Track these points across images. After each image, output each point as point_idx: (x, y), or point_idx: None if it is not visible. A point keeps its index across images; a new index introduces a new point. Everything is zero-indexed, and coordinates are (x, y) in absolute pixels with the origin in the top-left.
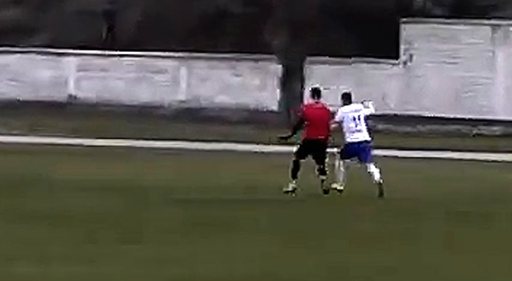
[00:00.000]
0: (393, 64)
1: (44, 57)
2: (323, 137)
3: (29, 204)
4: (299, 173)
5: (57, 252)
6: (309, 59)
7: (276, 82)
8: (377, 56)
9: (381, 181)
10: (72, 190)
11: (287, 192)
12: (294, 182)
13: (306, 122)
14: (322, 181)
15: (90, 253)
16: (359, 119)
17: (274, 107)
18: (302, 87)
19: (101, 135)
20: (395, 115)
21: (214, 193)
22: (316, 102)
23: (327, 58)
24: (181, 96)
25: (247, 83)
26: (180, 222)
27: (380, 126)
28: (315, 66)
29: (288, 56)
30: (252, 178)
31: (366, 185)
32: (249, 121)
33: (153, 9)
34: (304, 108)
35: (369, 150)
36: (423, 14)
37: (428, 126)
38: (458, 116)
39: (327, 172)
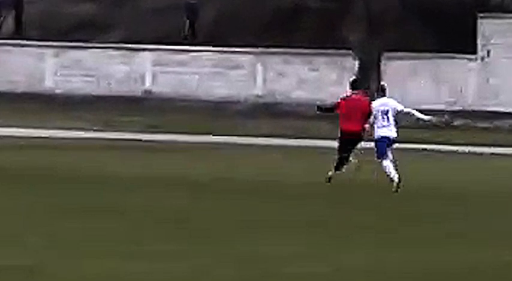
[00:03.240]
0: (470, 59)
1: (120, 52)
2: (355, 129)
3: (104, 200)
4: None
5: (127, 248)
6: (386, 54)
7: (352, 77)
8: (454, 52)
9: (397, 182)
10: (148, 186)
11: (329, 180)
12: (332, 172)
13: (339, 112)
14: (336, 169)
15: (160, 250)
16: (387, 113)
17: None
18: (379, 82)
19: (177, 130)
20: (472, 111)
21: (296, 189)
22: (354, 94)
23: (403, 53)
24: (258, 91)
25: (324, 78)
26: (260, 219)
27: (457, 122)
28: (391, 62)
29: (364, 51)
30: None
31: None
32: (325, 116)
33: (229, 4)
34: (341, 98)
35: (392, 143)
36: (501, 9)
37: (506, 122)
38: None
39: (345, 167)
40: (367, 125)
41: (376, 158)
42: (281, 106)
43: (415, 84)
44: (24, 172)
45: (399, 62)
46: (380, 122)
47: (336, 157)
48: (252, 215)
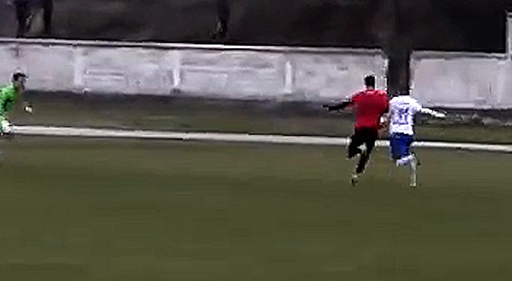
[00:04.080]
0: (500, 58)
1: (149, 51)
2: (371, 124)
3: (141, 197)
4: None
5: (166, 246)
6: (415, 52)
7: (382, 76)
8: (483, 50)
9: (415, 185)
10: (186, 184)
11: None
12: (355, 174)
13: (354, 108)
14: (358, 171)
15: (199, 248)
16: (406, 112)
17: None
18: (408, 81)
19: (208, 129)
20: (501, 110)
21: (330, 187)
22: (369, 90)
23: (432, 52)
24: (287, 90)
25: (353, 77)
26: (298, 218)
27: (486, 121)
28: (420, 60)
29: (394, 50)
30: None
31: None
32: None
33: (258, 3)
34: (354, 94)
35: (405, 143)
36: None
37: None
38: None
39: (365, 165)
40: (382, 120)
41: (391, 158)
42: (310, 105)
43: (444, 83)
44: (57, 171)
45: (428, 60)
46: (396, 119)
47: (347, 153)
48: (290, 214)
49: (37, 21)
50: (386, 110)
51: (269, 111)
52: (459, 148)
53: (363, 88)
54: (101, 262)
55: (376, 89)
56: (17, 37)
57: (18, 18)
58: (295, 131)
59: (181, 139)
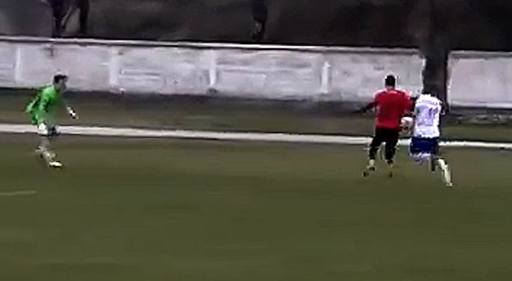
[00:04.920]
0: None
1: (184, 50)
2: (393, 126)
3: (178, 197)
4: (376, 155)
5: (207, 246)
6: (452, 52)
7: (419, 76)
8: None
9: (450, 184)
10: (226, 184)
11: (365, 174)
12: (372, 161)
13: (377, 108)
14: (389, 163)
15: (239, 248)
16: (434, 112)
17: None
18: (445, 81)
19: (246, 129)
20: None
21: (362, 187)
22: (390, 90)
23: (470, 52)
24: (323, 90)
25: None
26: (334, 218)
27: None
28: (457, 60)
29: (431, 49)
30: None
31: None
32: None
33: (295, 3)
34: (377, 94)
35: (434, 145)
36: None
37: None
38: None
39: (393, 161)
40: (403, 121)
41: (409, 153)
42: (346, 105)
43: (481, 83)
44: (98, 171)
45: (466, 60)
46: (423, 119)
47: (368, 149)
48: (327, 214)
49: (73, 21)
50: (412, 109)
51: (306, 111)
52: (503, 148)
53: (385, 88)
54: (141, 262)
55: (397, 88)
56: (53, 37)
57: (53, 18)
58: (331, 130)
59: (218, 139)
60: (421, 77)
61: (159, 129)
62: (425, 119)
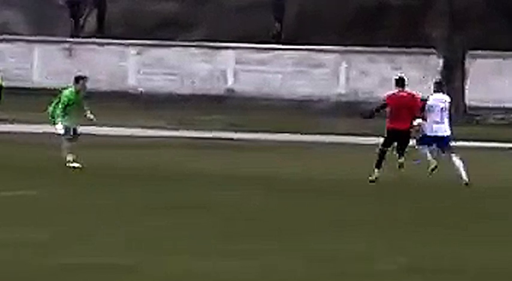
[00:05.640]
0: None
1: (202, 50)
2: (404, 127)
3: (191, 197)
4: (383, 163)
5: (220, 246)
6: (470, 52)
7: (436, 76)
8: None
9: (466, 180)
10: (239, 184)
11: (372, 181)
12: (376, 171)
13: (387, 110)
14: (400, 156)
15: (249, 248)
16: (445, 110)
17: None
18: (463, 81)
19: (261, 129)
20: None
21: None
22: (400, 91)
23: (487, 52)
24: (340, 90)
25: (407, 77)
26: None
27: None
28: (476, 60)
29: (449, 49)
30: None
31: None
32: None
33: (312, 3)
34: (387, 95)
35: (447, 142)
36: None
37: None
38: None
39: (405, 155)
40: (415, 123)
41: (415, 145)
42: (363, 105)
43: (498, 83)
44: (110, 171)
45: (483, 60)
46: (434, 117)
47: (379, 148)
48: (340, 214)
49: (91, 21)
50: (423, 110)
51: (322, 111)
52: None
53: (394, 89)
54: (152, 262)
55: (407, 90)
56: (71, 37)
57: (71, 18)
58: (348, 131)
59: (234, 139)
60: (437, 77)
61: (176, 129)
62: (437, 118)
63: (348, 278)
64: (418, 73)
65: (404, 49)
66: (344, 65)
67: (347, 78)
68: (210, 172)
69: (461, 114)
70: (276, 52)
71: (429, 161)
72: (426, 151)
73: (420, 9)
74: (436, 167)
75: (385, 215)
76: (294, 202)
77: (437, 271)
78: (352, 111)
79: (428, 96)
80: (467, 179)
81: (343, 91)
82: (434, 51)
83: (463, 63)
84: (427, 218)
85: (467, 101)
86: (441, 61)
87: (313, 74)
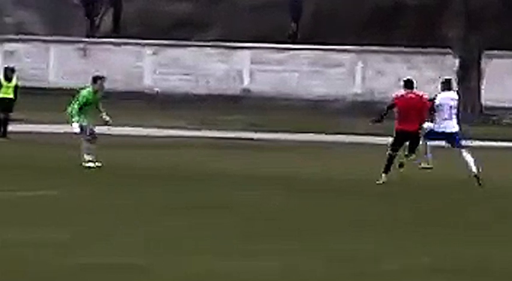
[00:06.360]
0: None
1: (217, 50)
2: (413, 129)
3: (210, 197)
4: (392, 167)
5: (237, 246)
6: (486, 52)
7: (452, 76)
8: None
9: (476, 172)
10: (259, 184)
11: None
12: (384, 176)
13: (396, 111)
14: (407, 156)
15: (270, 248)
16: (454, 108)
17: None
18: (479, 81)
19: (279, 129)
20: None
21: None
22: (409, 93)
23: (504, 52)
24: (356, 89)
25: (423, 77)
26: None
27: None
28: (492, 60)
29: (465, 49)
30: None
31: None
32: None
33: (328, 3)
34: (395, 96)
35: (456, 138)
36: None
37: None
38: None
39: (416, 152)
40: (425, 126)
41: (422, 138)
42: (380, 105)
43: None
44: (129, 171)
45: (499, 60)
46: (443, 115)
47: (388, 152)
48: (359, 214)
49: (106, 21)
50: (431, 110)
51: (339, 111)
52: None
53: (402, 91)
54: (171, 262)
55: (416, 91)
56: (87, 37)
57: (87, 18)
58: (364, 130)
59: (252, 139)
60: (453, 77)
61: (192, 129)
62: (446, 115)
63: (368, 278)
64: (434, 73)
65: (420, 49)
66: (360, 64)
67: (363, 78)
68: (230, 172)
69: (477, 114)
70: (292, 52)
71: (427, 158)
72: (428, 150)
73: (436, 9)
74: (429, 168)
75: (404, 215)
76: (314, 202)
77: (460, 271)
78: (368, 111)
79: (435, 95)
80: (476, 172)
81: (359, 91)
82: (450, 51)
83: (479, 63)
84: (451, 218)
85: (483, 101)
86: (457, 61)
87: (329, 74)
